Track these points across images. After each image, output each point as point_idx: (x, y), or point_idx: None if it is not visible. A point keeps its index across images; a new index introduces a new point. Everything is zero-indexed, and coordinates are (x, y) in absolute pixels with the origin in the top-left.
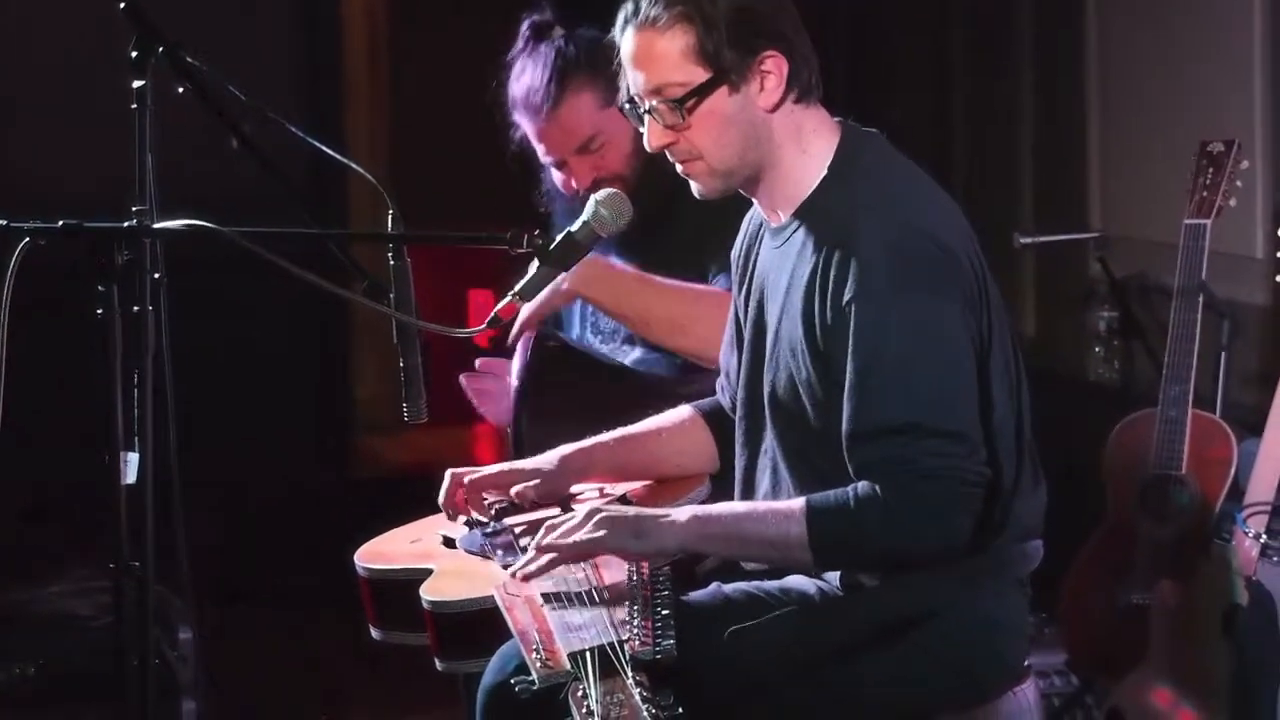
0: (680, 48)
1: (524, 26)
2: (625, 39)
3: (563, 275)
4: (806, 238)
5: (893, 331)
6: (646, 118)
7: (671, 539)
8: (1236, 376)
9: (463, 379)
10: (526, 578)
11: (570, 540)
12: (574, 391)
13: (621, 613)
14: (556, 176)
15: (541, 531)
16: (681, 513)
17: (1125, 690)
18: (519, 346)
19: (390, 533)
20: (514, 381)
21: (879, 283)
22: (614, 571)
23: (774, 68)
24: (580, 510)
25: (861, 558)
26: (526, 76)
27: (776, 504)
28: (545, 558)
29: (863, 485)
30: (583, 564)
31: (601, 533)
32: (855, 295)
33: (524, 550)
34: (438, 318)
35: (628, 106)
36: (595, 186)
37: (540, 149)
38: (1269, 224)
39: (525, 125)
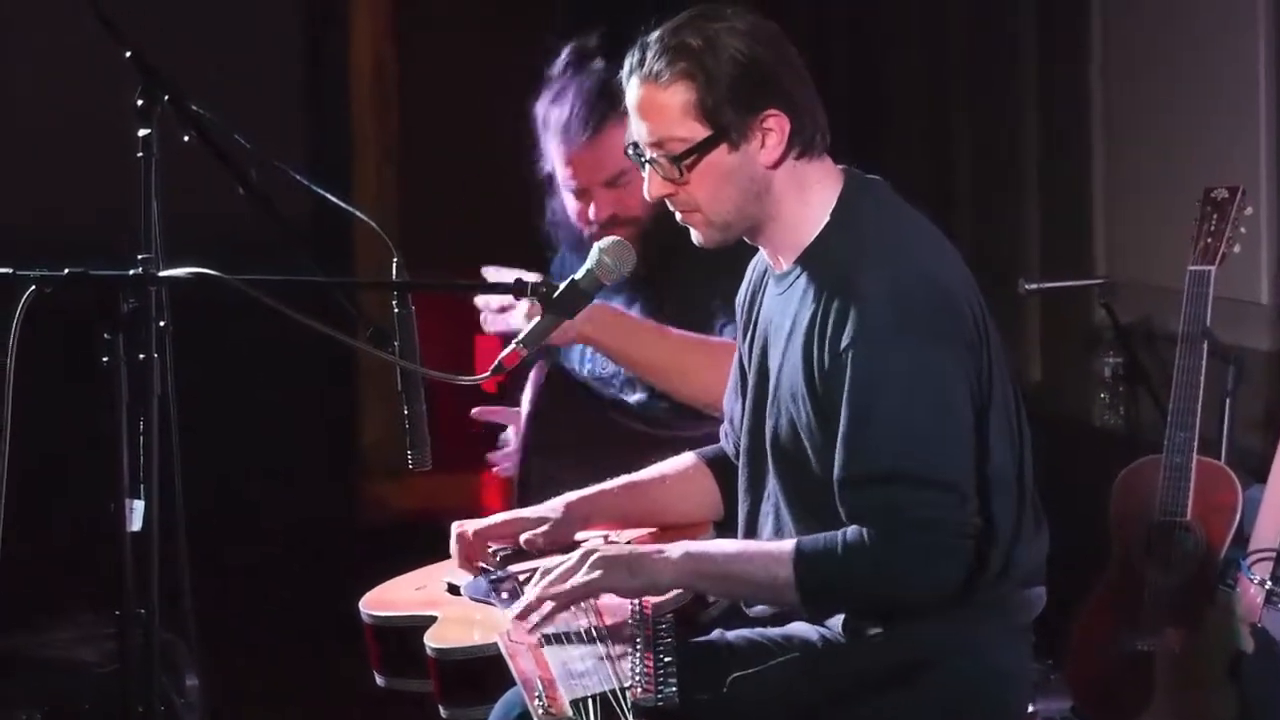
0: (681, 104)
1: (567, 50)
2: (630, 87)
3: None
4: (808, 284)
5: (888, 379)
6: (648, 167)
7: (664, 575)
8: (1241, 422)
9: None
10: (530, 624)
11: (567, 586)
12: (583, 421)
13: (624, 659)
14: (572, 204)
15: (537, 576)
16: (675, 549)
17: None
18: (531, 375)
19: (395, 580)
20: (525, 407)
21: (877, 329)
22: (616, 618)
23: (776, 125)
24: (575, 552)
25: (848, 602)
26: (567, 101)
27: (767, 545)
28: (546, 606)
29: (851, 531)
30: (585, 610)
31: (597, 573)
32: (852, 341)
33: None
34: (444, 364)
35: (631, 152)
36: (612, 222)
37: (565, 173)
38: (1273, 269)
39: (556, 148)
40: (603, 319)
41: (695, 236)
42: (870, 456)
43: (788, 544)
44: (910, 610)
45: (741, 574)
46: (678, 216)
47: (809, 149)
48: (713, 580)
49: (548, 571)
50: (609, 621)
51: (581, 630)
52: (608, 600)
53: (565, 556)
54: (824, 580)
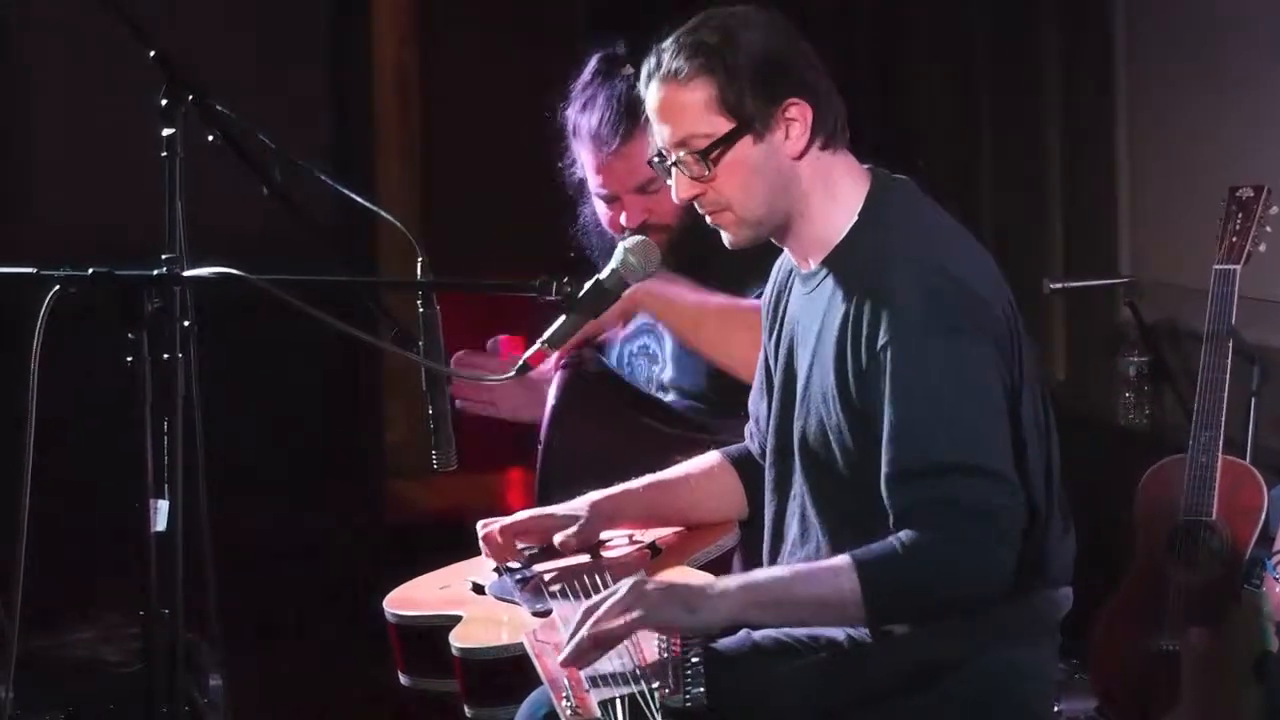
0: (703, 99)
1: (594, 58)
2: (650, 92)
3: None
4: (837, 284)
5: (930, 374)
6: (674, 170)
7: (723, 611)
8: (1266, 422)
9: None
10: (579, 664)
11: (620, 622)
12: (607, 419)
13: (651, 660)
14: (603, 211)
15: (581, 615)
16: (729, 581)
17: None
18: (555, 374)
19: (419, 579)
20: (548, 405)
21: (913, 327)
22: None
23: (798, 115)
24: (623, 585)
25: (917, 605)
26: (598, 108)
27: (820, 563)
28: (598, 644)
29: (906, 532)
30: None
31: (650, 609)
32: (890, 340)
33: (553, 596)
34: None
35: (655, 160)
36: (643, 229)
37: (596, 180)
38: None
39: (587, 156)
40: (654, 284)
41: (726, 238)
42: (921, 450)
43: (840, 558)
44: (971, 606)
45: (804, 595)
46: (707, 219)
47: (832, 139)
48: (773, 608)
49: (593, 608)
50: None
51: None
52: None
53: (609, 590)
54: (891, 585)
